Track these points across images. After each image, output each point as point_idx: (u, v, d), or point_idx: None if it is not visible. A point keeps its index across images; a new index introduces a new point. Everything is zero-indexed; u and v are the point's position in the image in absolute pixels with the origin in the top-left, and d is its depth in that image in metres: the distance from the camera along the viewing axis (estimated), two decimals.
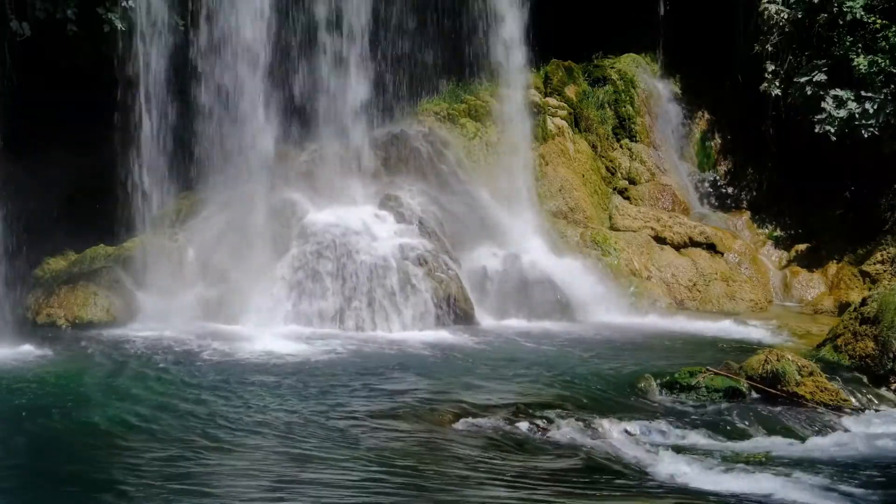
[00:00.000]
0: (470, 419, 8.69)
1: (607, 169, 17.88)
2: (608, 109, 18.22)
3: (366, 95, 14.91)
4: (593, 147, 17.86)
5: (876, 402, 10.12)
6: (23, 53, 12.75)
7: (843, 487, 7.34)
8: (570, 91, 18.03)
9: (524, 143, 16.39)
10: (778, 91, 17.12)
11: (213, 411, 8.76)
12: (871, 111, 15.70)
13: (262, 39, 13.65)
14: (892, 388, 10.44)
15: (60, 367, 10.40)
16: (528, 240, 15.16)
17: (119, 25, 12.87)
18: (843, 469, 7.80)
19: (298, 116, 14.49)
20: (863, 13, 16.03)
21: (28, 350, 11.00)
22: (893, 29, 15.81)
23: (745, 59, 17.69)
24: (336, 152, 14.70)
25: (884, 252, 15.96)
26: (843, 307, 14.57)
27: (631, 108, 18.39)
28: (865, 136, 15.74)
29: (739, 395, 9.88)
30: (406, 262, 13.52)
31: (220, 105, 13.54)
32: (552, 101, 17.64)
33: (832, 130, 15.95)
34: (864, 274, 15.97)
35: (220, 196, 13.77)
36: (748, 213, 18.26)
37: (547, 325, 13.50)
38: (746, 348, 11.98)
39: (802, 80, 16.50)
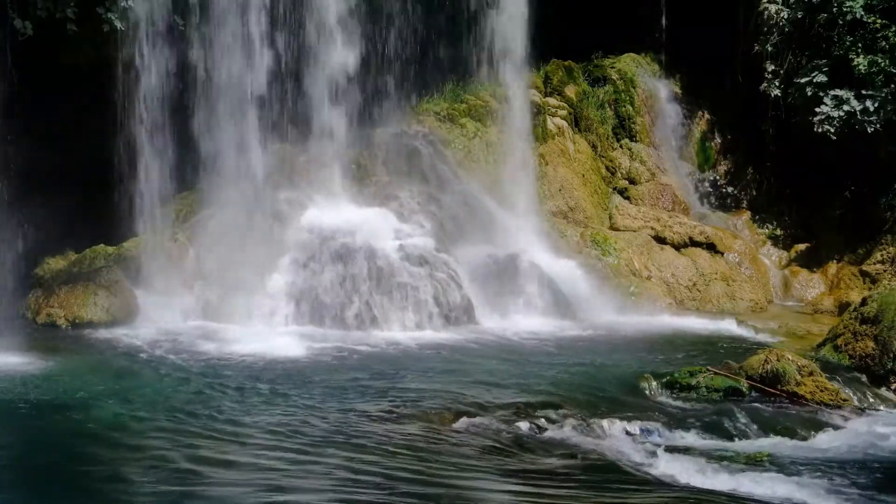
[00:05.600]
0: (469, 419, 8.69)
1: (607, 169, 17.89)
2: (608, 109, 18.23)
3: (366, 95, 14.91)
4: (593, 147, 17.87)
5: (876, 402, 10.14)
6: (24, 52, 12.74)
7: (844, 487, 7.34)
8: (570, 91, 18.03)
9: (524, 143, 16.38)
10: (778, 91, 17.15)
11: (211, 411, 8.76)
12: (871, 108, 15.71)
13: (262, 39, 13.66)
14: (892, 388, 10.45)
15: (60, 367, 10.38)
16: (528, 239, 15.14)
17: (118, 25, 12.88)
18: (843, 469, 7.80)
19: (299, 116, 14.48)
20: (863, 13, 16.05)
21: (27, 350, 10.98)
22: (893, 29, 15.82)
23: (745, 59, 17.71)
24: (336, 152, 14.71)
25: (884, 252, 15.97)
26: (843, 307, 14.57)
27: (631, 108, 18.40)
28: (870, 130, 15.73)
29: (739, 395, 9.89)
30: (406, 262, 13.51)
31: (220, 105, 13.55)
32: (552, 100, 17.64)
33: (832, 130, 15.97)
34: (864, 274, 15.98)
35: (219, 196, 13.76)
36: (748, 212, 18.27)
37: (547, 325, 13.48)
38: (746, 348, 11.98)
39: (803, 80, 16.52)
